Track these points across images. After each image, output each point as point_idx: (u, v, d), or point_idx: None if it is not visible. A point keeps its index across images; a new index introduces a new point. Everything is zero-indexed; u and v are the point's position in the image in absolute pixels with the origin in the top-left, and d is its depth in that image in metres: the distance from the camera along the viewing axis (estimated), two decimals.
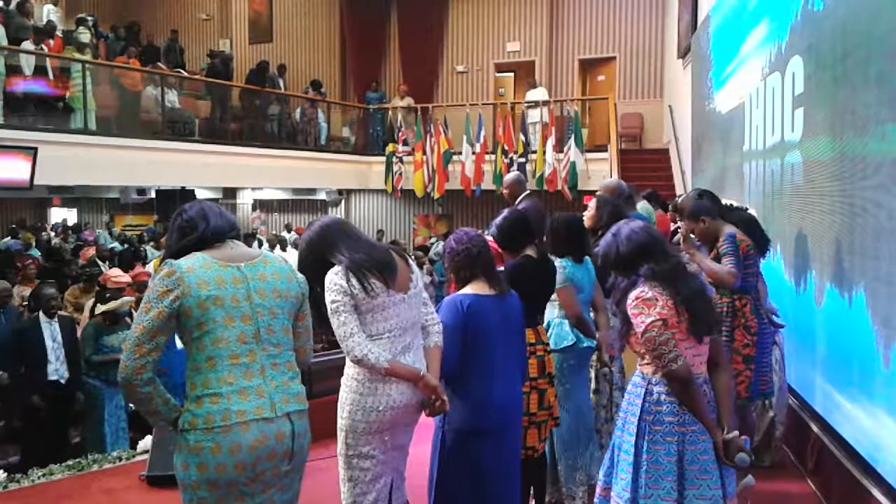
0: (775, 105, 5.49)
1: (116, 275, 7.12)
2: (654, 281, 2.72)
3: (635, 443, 2.73)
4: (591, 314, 4.28)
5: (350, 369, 2.85)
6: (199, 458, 2.32)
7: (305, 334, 2.67)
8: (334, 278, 2.76)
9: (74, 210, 19.55)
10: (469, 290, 3.19)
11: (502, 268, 3.63)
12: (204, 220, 2.54)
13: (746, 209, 5.20)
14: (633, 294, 2.74)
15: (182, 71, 14.36)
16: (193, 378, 2.38)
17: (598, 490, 2.96)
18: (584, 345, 4.04)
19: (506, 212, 3.89)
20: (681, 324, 2.69)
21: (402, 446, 2.97)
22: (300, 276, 2.65)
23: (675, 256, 2.88)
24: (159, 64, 13.78)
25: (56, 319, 6.30)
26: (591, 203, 4.78)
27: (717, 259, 4.10)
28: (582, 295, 4.09)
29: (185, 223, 2.55)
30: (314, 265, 2.81)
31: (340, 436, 2.86)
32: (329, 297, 2.74)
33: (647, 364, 2.78)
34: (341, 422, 2.85)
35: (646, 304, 2.69)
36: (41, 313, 6.27)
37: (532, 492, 3.78)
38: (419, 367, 2.86)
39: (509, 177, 6.72)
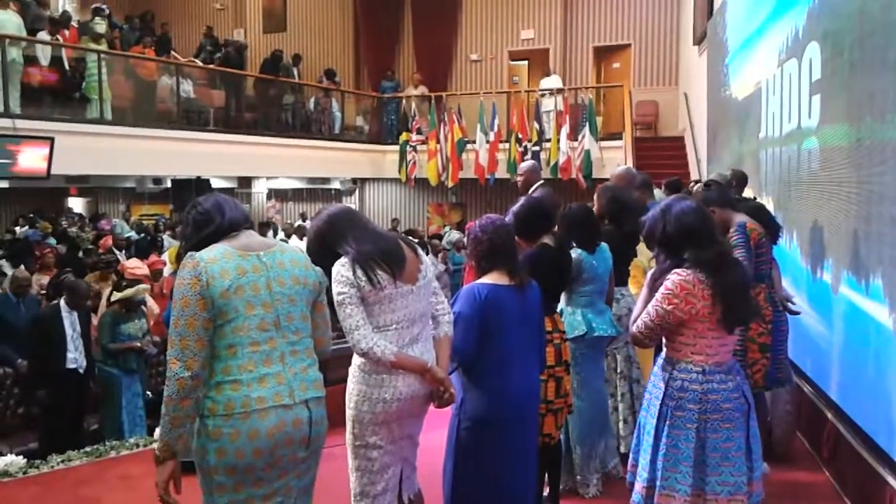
0: (792, 91, 5.44)
1: (134, 265, 7.18)
2: (697, 267, 2.71)
3: (656, 425, 2.78)
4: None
5: (357, 360, 2.85)
6: (217, 443, 2.35)
7: (323, 325, 2.68)
8: (340, 270, 2.75)
9: (91, 199, 19.66)
10: (488, 279, 3.17)
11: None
12: (220, 212, 2.55)
13: (754, 199, 5.17)
14: (678, 272, 2.74)
15: (196, 60, 14.38)
16: (213, 365, 2.39)
17: (629, 466, 3.01)
18: (596, 334, 4.03)
19: (523, 199, 3.87)
20: (712, 315, 2.70)
21: (410, 436, 2.97)
22: (317, 267, 2.66)
23: (720, 243, 2.87)
24: (174, 54, 13.82)
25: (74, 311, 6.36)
26: (595, 194, 4.86)
27: None
28: (594, 285, 4.08)
29: (200, 216, 2.56)
30: (322, 256, 2.80)
31: (348, 426, 2.87)
32: (335, 288, 2.73)
33: (671, 348, 2.81)
34: (349, 412, 2.86)
35: (679, 292, 2.70)
36: (62, 302, 6.32)
37: (547, 479, 3.79)
38: (427, 359, 2.84)
39: (524, 165, 6.69)
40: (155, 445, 4.22)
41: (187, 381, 2.31)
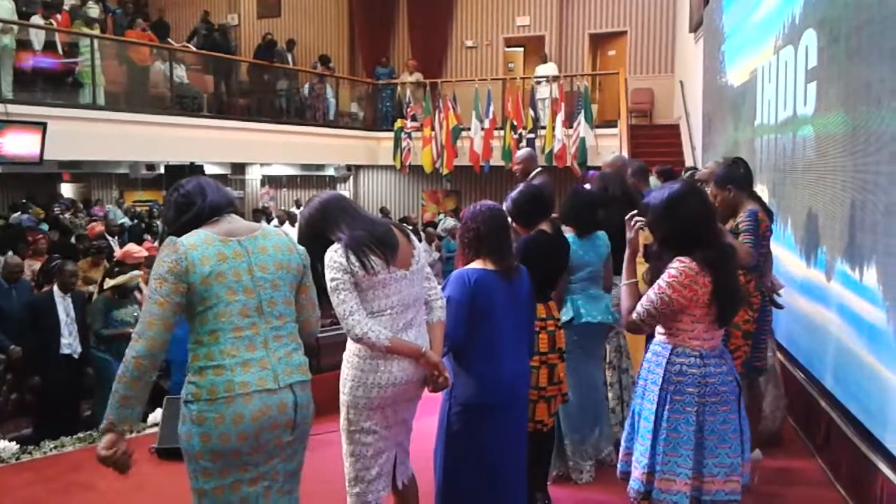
0: (788, 79, 5.43)
1: (136, 250, 7.16)
2: (702, 263, 2.71)
3: (655, 411, 2.78)
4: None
5: (352, 346, 2.85)
6: (202, 428, 2.34)
7: (310, 306, 2.67)
8: (334, 256, 2.75)
9: (84, 185, 19.57)
10: (477, 265, 3.18)
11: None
12: (201, 195, 2.53)
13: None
14: (681, 259, 2.73)
15: (189, 45, 14.30)
16: (196, 350, 2.39)
17: (620, 455, 3.01)
18: (584, 320, 4.03)
19: (521, 186, 3.88)
20: (711, 303, 2.71)
21: (404, 421, 2.98)
22: (301, 247, 2.64)
23: (722, 240, 2.89)
24: (169, 40, 13.74)
25: (69, 294, 6.35)
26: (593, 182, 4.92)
27: (735, 232, 4.03)
28: (583, 272, 4.08)
29: (182, 198, 2.54)
30: (314, 242, 2.79)
31: (342, 411, 2.88)
32: (329, 274, 2.73)
33: (667, 334, 2.82)
34: (343, 397, 2.86)
35: (683, 279, 2.70)
36: (56, 287, 6.30)
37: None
38: (421, 344, 2.85)
39: (521, 153, 6.67)
40: (148, 431, 4.21)
41: (143, 362, 2.29)
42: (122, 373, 2.30)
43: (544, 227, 3.76)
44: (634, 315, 2.84)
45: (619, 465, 3.01)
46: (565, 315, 3.99)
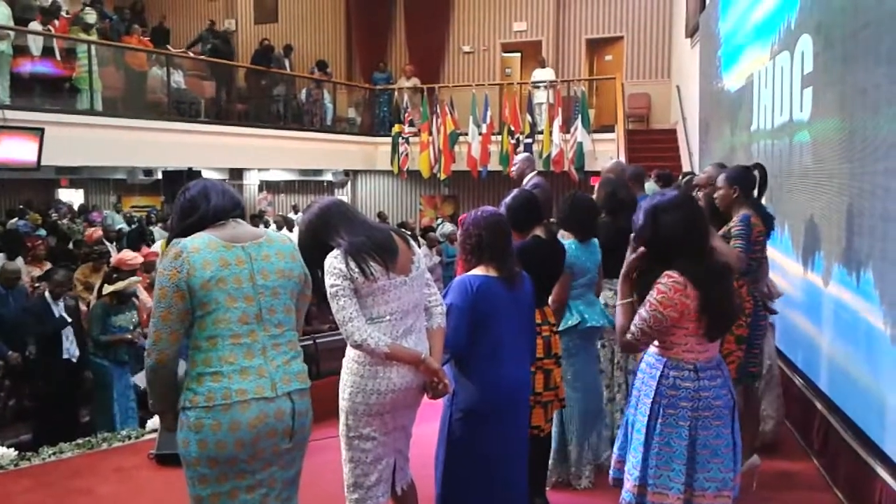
0: (784, 84, 5.45)
1: (130, 257, 7.16)
2: (688, 277, 2.68)
3: (647, 423, 2.74)
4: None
5: (351, 352, 2.85)
6: (199, 435, 2.35)
7: (301, 314, 2.69)
8: (333, 262, 2.75)
9: (81, 191, 19.56)
10: (479, 271, 3.18)
11: None
12: (205, 199, 2.53)
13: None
14: (669, 273, 2.68)
15: (188, 52, 14.32)
16: (194, 356, 2.40)
17: (612, 462, 2.99)
18: (588, 325, 4.04)
19: (515, 192, 3.88)
20: (701, 321, 2.68)
21: (403, 427, 2.98)
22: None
23: (709, 253, 2.83)
24: (168, 46, 13.76)
25: (62, 300, 6.35)
26: (597, 185, 4.89)
27: (727, 237, 4.04)
28: (584, 277, 4.09)
29: (187, 202, 2.55)
30: (314, 248, 2.80)
31: (342, 417, 2.88)
32: (328, 280, 2.73)
33: (661, 347, 2.79)
34: (342, 403, 2.86)
35: (673, 294, 2.65)
36: (47, 294, 6.31)
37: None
38: (421, 350, 2.85)
39: (520, 156, 6.75)
40: (146, 436, 4.25)
41: (160, 371, 2.41)
42: (149, 380, 2.46)
43: (539, 232, 3.77)
44: (629, 335, 2.78)
45: (611, 472, 2.99)
46: (571, 320, 3.99)
